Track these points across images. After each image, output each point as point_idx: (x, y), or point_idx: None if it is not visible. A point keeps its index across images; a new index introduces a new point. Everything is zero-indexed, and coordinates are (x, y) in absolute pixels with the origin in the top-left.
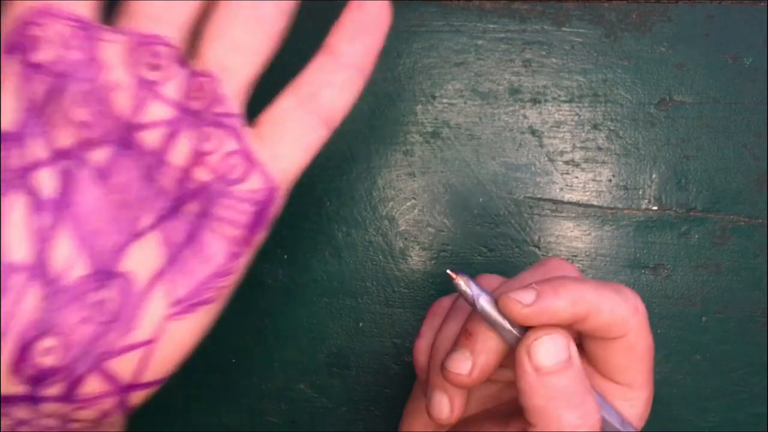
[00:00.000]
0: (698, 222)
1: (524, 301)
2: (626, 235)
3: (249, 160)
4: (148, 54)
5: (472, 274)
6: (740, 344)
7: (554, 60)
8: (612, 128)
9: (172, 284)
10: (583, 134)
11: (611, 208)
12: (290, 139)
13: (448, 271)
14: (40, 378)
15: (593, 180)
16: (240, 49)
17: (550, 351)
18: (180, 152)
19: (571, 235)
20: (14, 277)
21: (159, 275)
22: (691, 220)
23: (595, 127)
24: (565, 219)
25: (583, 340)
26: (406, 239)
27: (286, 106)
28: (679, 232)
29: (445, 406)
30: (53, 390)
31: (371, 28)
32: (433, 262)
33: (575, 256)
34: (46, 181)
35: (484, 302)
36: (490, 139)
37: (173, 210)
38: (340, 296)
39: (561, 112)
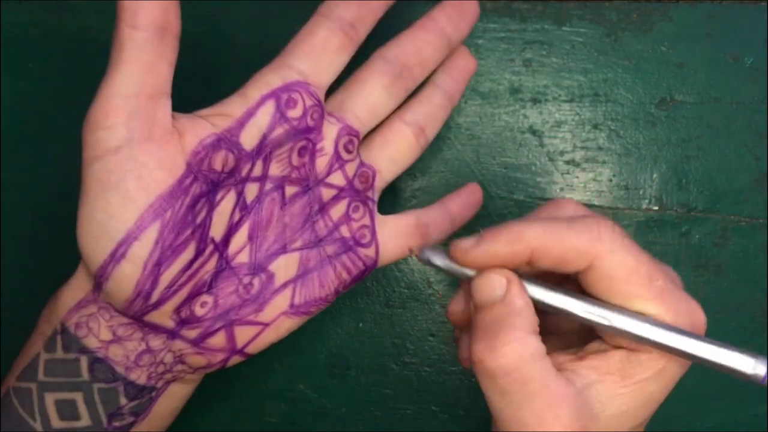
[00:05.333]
0: (699, 222)
1: (464, 246)
2: None
3: (374, 235)
4: (348, 141)
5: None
6: (741, 344)
7: (555, 59)
8: (613, 128)
9: (296, 292)
10: (584, 134)
11: (612, 208)
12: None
13: (412, 250)
14: (188, 321)
15: (594, 180)
16: (396, 160)
17: (481, 289)
18: (338, 211)
19: None
20: (209, 248)
21: (290, 282)
22: (691, 220)
23: (595, 126)
24: None
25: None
26: None
27: (403, 220)
28: (680, 232)
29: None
30: (191, 333)
31: None
32: None
33: None
34: (251, 191)
35: (439, 257)
36: (490, 139)
37: (316, 244)
38: (340, 297)
39: (561, 112)
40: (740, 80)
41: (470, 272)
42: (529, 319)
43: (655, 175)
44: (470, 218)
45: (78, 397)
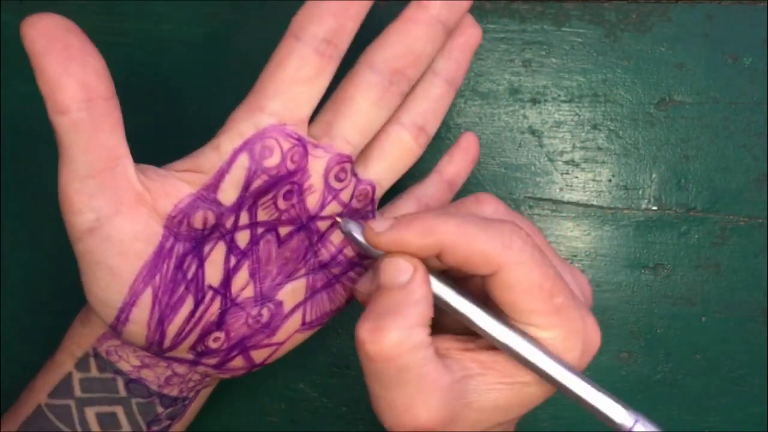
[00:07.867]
0: (698, 222)
1: (377, 229)
2: (626, 235)
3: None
4: (339, 170)
5: None
6: (740, 344)
7: (554, 60)
8: (612, 128)
9: (306, 311)
10: (583, 134)
11: (611, 208)
12: None
13: (337, 218)
14: (206, 353)
15: (593, 180)
16: (396, 168)
17: (387, 270)
18: (339, 235)
19: (570, 235)
20: (208, 294)
21: (299, 305)
22: (690, 220)
23: (594, 127)
24: (564, 219)
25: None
26: None
27: (404, 207)
28: (679, 232)
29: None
30: (211, 361)
31: None
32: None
33: (575, 255)
34: (243, 237)
35: (358, 232)
36: (490, 139)
37: (321, 268)
38: None
39: (561, 112)
40: (739, 80)
41: (381, 253)
42: (422, 312)
43: (654, 175)
44: (469, 173)
45: (118, 410)
